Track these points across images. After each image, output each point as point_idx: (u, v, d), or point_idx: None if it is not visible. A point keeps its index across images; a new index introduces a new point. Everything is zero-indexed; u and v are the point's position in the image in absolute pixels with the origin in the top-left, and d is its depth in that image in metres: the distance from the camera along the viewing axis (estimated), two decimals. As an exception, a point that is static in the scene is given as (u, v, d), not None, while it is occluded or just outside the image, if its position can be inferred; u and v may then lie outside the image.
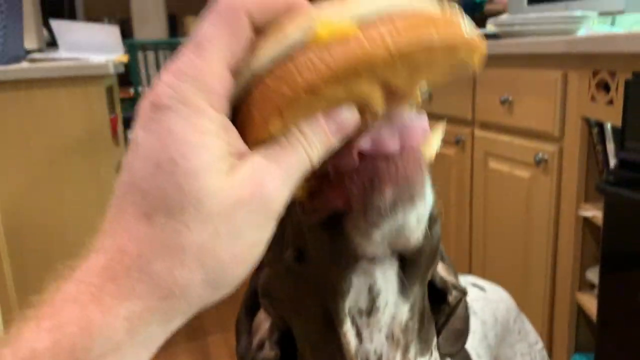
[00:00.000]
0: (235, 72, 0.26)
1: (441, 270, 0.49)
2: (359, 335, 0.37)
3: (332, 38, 0.24)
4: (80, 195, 1.83)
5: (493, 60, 1.72)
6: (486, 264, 1.86)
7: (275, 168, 0.26)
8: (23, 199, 1.76)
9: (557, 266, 1.54)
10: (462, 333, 0.50)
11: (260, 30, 0.26)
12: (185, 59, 0.25)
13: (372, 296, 0.37)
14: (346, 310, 0.36)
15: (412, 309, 0.39)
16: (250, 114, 0.26)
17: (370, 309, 0.37)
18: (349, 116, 0.27)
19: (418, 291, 0.40)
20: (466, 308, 0.51)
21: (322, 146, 0.27)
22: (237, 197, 0.25)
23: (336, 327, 0.37)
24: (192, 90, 0.24)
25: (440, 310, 0.47)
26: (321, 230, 0.34)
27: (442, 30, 0.25)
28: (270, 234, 0.27)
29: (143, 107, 0.26)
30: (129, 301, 0.24)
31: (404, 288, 0.38)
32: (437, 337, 0.46)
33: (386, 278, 0.36)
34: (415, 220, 0.32)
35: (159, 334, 0.25)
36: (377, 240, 0.32)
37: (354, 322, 0.37)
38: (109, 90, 2.24)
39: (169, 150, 0.24)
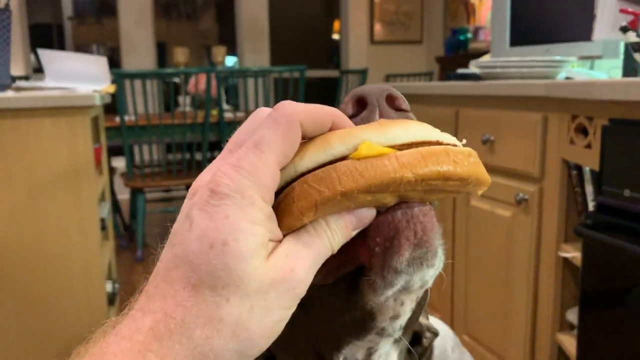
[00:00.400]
0: (282, 167, 0.31)
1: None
2: None
3: (370, 155, 0.29)
4: (62, 226, 1.81)
5: (475, 101, 1.76)
6: (467, 301, 1.86)
7: (304, 255, 0.30)
8: (3, 229, 1.73)
9: (538, 306, 1.55)
10: None
11: (306, 136, 0.31)
12: (245, 156, 0.29)
13: (370, 352, 0.40)
14: (341, 359, 0.39)
15: (399, 356, 0.42)
16: (289, 205, 0.30)
17: (368, 355, 0.40)
18: (368, 214, 0.32)
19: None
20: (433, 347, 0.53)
21: (343, 237, 0.31)
22: (272, 279, 0.29)
23: None
24: (248, 184, 0.29)
25: (414, 350, 0.49)
26: (332, 287, 0.36)
27: (460, 165, 0.31)
28: (292, 312, 0.30)
29: (201, 191, 0.30)
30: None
31: (399, 345, 0.41)
32: None
33: (389, 343, 0.40)
34: (428, 277, 0.36)
35: None
36: (389, 296, 0.35)
37: None
38: (95, 120, 2.24)
39: (223, 233, 0.28)
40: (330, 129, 0.32)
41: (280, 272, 0.29)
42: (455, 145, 0.33)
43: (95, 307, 1.90)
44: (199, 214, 0.29)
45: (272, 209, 0.30)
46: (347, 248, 0.33)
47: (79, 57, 2.26)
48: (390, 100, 0.36)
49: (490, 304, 1.74)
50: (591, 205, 1.36)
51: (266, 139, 0.29)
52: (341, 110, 0.35)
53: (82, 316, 1.88)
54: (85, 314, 1.88)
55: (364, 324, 0.37)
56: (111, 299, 2.27)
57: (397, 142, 0.30)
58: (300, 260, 0.30)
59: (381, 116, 0.35)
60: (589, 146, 1.27)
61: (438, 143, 0.32)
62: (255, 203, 0.29)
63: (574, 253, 1.38)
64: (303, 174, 0.30)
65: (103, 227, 2.07)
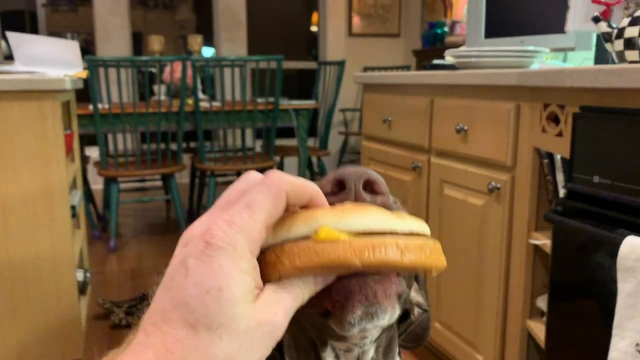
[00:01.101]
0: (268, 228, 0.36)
1: (413, 291, 0.61)
2: (337, 357, 0.47)
3: (326, 239, 0.35)
4: (30, 213, 1.78)
5: (449, 90, 1.77)
6: (440, 289, 1.87)
7: (283, 302, 0.35)
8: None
9: (509, 293, 1.57)
10: (421, 337, 0.63)
11: (288, 203, 0.37)
12: (238, 214, 0.34)
13: (350, 347, 0.47)
14: (328, 346, 0.46)
15: (384, 341, 0.50)
16: (266, 262, 0.36)
17: (349, 350, 0.47)
18: (330, 278, 0.38)
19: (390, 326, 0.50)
20: (428, 319, 0.63)
21: (310, 291, 0.37)
22: (258, 322, 0.33)
23: (319, 349, 0.47)
24: (240, 238, 0.33)
25: (404, 323, 0.58)
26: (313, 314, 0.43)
27: (407, 256, 0.35)
28: (269, 352, 0.35)
29: (195, 241, 0.34)
30: None
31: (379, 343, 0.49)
32: (399, 337, 0.57)
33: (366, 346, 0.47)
34: (383, 323, 0.41)
35: None
36: (353, 333, 0.42)
37: (334, 350, 0.46)
38: (66, 106, 2.20)
39: (218, 280, 0.32)
40: (308, 203, 0.38)
41: (265, 315, 0.34)
42: (416, 234, 0.38)
43: (65, 296, 1.87)
44: (195, 263, 0.33)
45: (256, 261, 0.35)
46: (317, 295, 0.38)
47: (50, 41, 2.21)
48: (368, 184, 0.42)
49: (462, 292, 1.75)
50: (562, 193, 1.38)
51: (257, 201, 0.35)
52: (321, 185, 0.41)
53: (51, 304, 1.85)
54: (54, 302, 1.85)
55: (338, 338, 0.45)
56: (82, 288, 2.24)
57: (352, 229, 0.35)
58: (280, 307, 0.35)
59: (356, 199, 0.41)
60: (560, 134, 1.29)
61: (394, 232, 0.36)
62: (244, 255, 0.34)
63: (544, 240, 1.40)
64: (276, 245, 0.36)
65: (74, 215, 2.03)
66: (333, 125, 5.05)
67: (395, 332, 0.55)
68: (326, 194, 0.41)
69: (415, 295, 0.62)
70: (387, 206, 0.42)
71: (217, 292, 0.32)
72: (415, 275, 0.64)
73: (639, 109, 1.02)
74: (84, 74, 2.15)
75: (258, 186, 0.35)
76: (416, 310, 0.61)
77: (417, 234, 0.38)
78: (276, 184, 0.36)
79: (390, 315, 0.41)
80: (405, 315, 0.59)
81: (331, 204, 0.40)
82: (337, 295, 0.39)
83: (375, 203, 0.42)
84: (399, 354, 0.57)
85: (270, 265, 0.36)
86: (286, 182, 0.36)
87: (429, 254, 0.37)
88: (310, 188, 0.38)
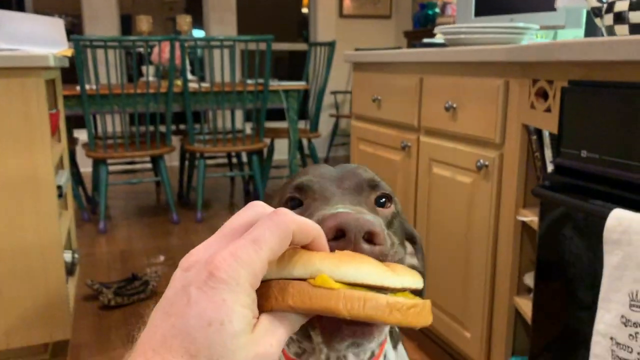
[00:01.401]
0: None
1: (408, 255, 0.66)
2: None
3: (321, 285, 0.37)
4: (15, 193, 1.75)
5: (439, 68, 1.76)
6: (428, 268, 1.87)
7: (278, 332, 0.37)
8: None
9: (496, 270, 1.57)
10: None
11: (292, 242, 0.39)
12: (244, 248, 0.35)
13: None
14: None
15: None
16: (262, 294, 0.38)
17: None
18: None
19: None
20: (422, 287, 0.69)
21: (301, 322, 0.39)
22: (255, 353, 0.35)
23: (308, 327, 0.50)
24: (244, 273, 0.35)
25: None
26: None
27: (394, 315, 0.37)
28: None
29: (199, 269, 0.35)
30: None
31: None
32: None
33: None
34: (370, 346, 0.48)
35: None
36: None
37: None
38: (51, 85, 2.17)
39: (221, 314, 0.33)
40: (310, 244, 0.40)
41: (262, 347, 0.35)
42: (408, 290, 0.41)
43: (52, 276, 1.86)
44: (197, 293, 0.34)
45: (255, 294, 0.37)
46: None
47: (34, 18, 2.17)
48: (368, 235, 0.44)
49: (449, 270, 1.75)
50: (550, 170, 1.38)
51: (265, 238, 0.36)
52: (325, 227, 0.43)
53: (38, 285, 1.83)
54: (42, 283, 1.84)
55: None
56: (70, 269, 2.22)
57: (346, 280, 0.37)
58: (275, 337, 0.37)
59: (354, 249, 0.43)
60: (548, 110, 1.28)
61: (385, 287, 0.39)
62: (246, 290, 0.35)
63: (532, 217, 1.39)
64: (275, 281, 0.38)
65: (60, 195, 2.01)
66: (324, 107, 5.02)
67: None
68: (327, 239, 0.42)
69: (410, 259, 0.67)
70: (384, 254, 0.45)
71: (220, 326, 0.33)
72: (412, 238, 0.69)
73: (627, 82, 1.01)
74: (69, 52, 2.12)
75: (267, 222, 0.36)
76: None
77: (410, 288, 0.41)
78: (285, 224, 0.37)
79: (376, 341, 0.46)
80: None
81: (331, 248, 0.42)
82: (327, 324, 0.44)
83: (373, 252, 0.44)
84: (400, 341, 0.65)
85: (265, 297, 0.37)
86: (294, 222, 0.37)
87: (417, 314, 0.39)
88: (315, 230, 0.39)
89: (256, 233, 0.36)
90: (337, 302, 0.36)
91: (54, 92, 2.23)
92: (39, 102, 1.72)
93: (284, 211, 0.37)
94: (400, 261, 0.56)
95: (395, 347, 0.71)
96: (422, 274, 0.67)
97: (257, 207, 0.40)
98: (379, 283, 0.38)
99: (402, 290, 0.41)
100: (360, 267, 0.38)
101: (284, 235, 0.36)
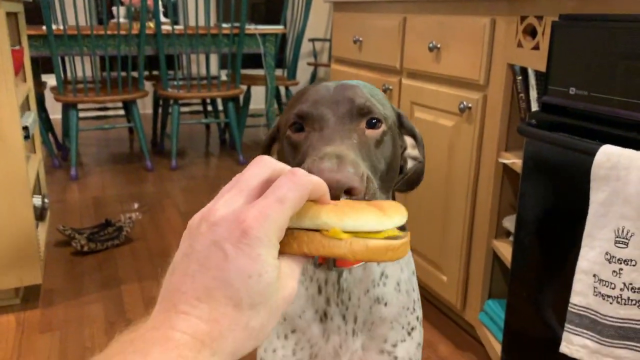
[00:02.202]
0: None
1: (409, 146, 0.79)
2: None
3: (333, 236, 0.43)
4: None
5: (423, 6, 1.69)
6: (408, 209, 1.86)
7: (295, 275, 0.43)
8: None
9: (475, 214, 1.56)
10: (415, 182, 0.83)
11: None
12: (271, 207, 0.39)
13: None
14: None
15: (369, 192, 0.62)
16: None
17: None
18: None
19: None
20: (422, 169, 0.82)
21: (307, 264, 0.47)
22: (283, 297, 0.41)
23: None
24: (274, 230, 0.39)
25: (399, 175, 0.75)
26: None
27: (389, 255, 0.45)
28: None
29: (229, 227, 0.39)
30: (208, 349, 0.38)
31: None
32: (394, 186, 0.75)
33: None
34: None
35: None
36: None
37: None
38: (13, 19, 2.05)
39: (258, 267, 0.38)
40: (318, 199, 0.44)
41: (288, 289, 0.41)
42: (394, 236, 0.46)
43: (21, 221, 1.80)
44: (234, 250, 0.38)
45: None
46: None
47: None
48: (347, 190, 0.53)
49: (429, 214, 1.74)
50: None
51: (289, 198, 0.40)
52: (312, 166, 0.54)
53: (6, 228, 1.77)
54: (9, 226, 1.78)
55: None
56: (40, 214, 2.16)
57: (349, 230, 0.43)
58: (294, 278, 0.43)
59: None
60: (536, 48, 1.24)
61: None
62: (275, 244, 0.40)
63: (514, 160, 1.37)
64: (292, 229, 0.43)
65: (27, 137, 1.93)
66: (302, 56, 4.91)
67: (377, 185, 0.67)
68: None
69: (412, 151, 0.79)
70: (369, 194, 0.56)
71: (258, 277, 0.38)
72: (413, 135, 0.80)
73: (622, 14, 0.97)
74: (32, -15, 1.99)
75: (289, 183, 0.40)
76: (410, 162, 0.79)
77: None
78: (304, 185, 0.41)
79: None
80: (399, 170, 0.74)
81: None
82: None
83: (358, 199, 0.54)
84: (393, 197, 0.77)
85: (281, 244, 0.42)
86: (311, 182, 0.42)
87: (404, 249, 0.46)
88: (323, 188, 0.44)
89: (280, 193, 0.40)
90: (346, 250, 0.43)
91: (17, 28, 2.11)
92: None
93: (302, 172, 0.42)
94: (395, 165, 0.71)
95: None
96: (423, 163, 0.81)
97: (270, 163, 0.43)
98: (377, 229, 0.44)
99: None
100: (359, 218, 0.44)
101: (304, 194, 0.41)
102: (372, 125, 0.67)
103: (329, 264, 0.70)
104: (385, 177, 0.67)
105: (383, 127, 0.68)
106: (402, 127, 0.79)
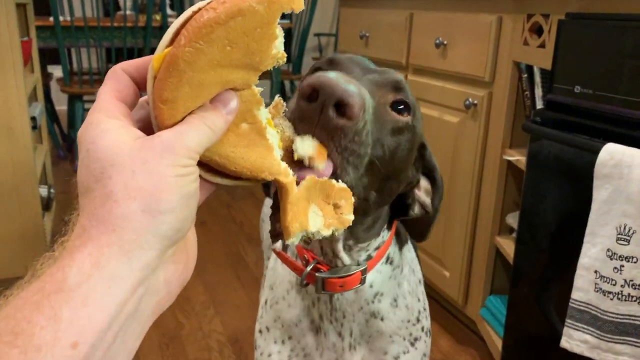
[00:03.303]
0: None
1: (422, 190, 0.68)
2: None
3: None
4: (-14, 121, 1.69)
5: (430, 3, 1.70)
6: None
7: (186, 130, 0.36)
8: None
9: (479, 211, 1.57)
10: (421, 234, 0.74)
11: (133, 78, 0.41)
12: (98, 102, 0.38)
13: None
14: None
15: (369, 220, 0.63)
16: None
17: None
18: (228, 96, 0.39)
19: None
20: (431, 221, 0.71)
21: (220, 120, 0.38)
22: (141, 146, 0.34)
23: None
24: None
25: (406, 214, 0.68)
26: None
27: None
28: (183, 171, 0.35)
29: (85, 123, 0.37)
30: (90, 242, 0.33)
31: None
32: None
33: None
34: None
35: (124, 270, 0.33)
36: None
37: None
38: (22, 11, 2.06)
39: (90, 137, 0.35)
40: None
41: (149, 141, 0.35)
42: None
43: (28, 211, 1.81)
44: (79, 133, 0.37)
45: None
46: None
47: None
48: (339, 104, 0.43)
49: (433, 210, 1.75)
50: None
51: (100, 92, 0.39)
52: (300, 86, 0.45)
53: (14, 217, 1.79)
54: (17, 215, 1.80)
55: None
56: (47, 204, 2.18)
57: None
58: (181, 134, 0.35)
59: (319, 117, 0.44)
60: (542, 46, 1.25)
61: None
62: (108, 121, 0.36)
63: (518, 157, 1.38)
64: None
65: (35, 127, 1.95)
66: (307, 50, 4.91)
67: (382, 215, 0.65)
68: (299, 97, 0.44)
69: (422, 195, 0.68)
70: (348, 137, 0.45)
71: (89, 148, 0.36)
72: (431, 172, 0.68)
73: (628, 13, 0.98)
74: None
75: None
76: (417, 208, 0.68)
77: None
78: (111, 71, 0.40)
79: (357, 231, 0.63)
80: (405, 209, 0.67)
81: (300, 109, 0.44)
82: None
83: (337, 125, 0.44)
84: (408, 242, 0.74)
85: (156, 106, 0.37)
86: (120, 66, 0.40)
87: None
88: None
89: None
90: (209, 15, 0.36)
91: (26, 19, 2.13)
92: (9, 27, 1.63)
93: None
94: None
95: (400, 249, 0.73)
96: (433, 215, 0.69)
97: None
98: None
99: None
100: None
101: (114, 77, 0.40)
102: (398, 110, 0.55)
103: (317, 287, 0.65)
104: (384, 181, 0.55)
105: (409, 120, 0.56)
106: (423, 159, 0.66)
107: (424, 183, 0.68)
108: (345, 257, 0.64)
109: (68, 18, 3.14)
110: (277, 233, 0.45)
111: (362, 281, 0.65)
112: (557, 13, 1.17)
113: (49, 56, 3.59)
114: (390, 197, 0.62)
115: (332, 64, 0.57)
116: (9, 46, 1.65)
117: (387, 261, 0.70)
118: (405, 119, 0.56)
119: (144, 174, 0.33)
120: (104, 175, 0.34)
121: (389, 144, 0.54)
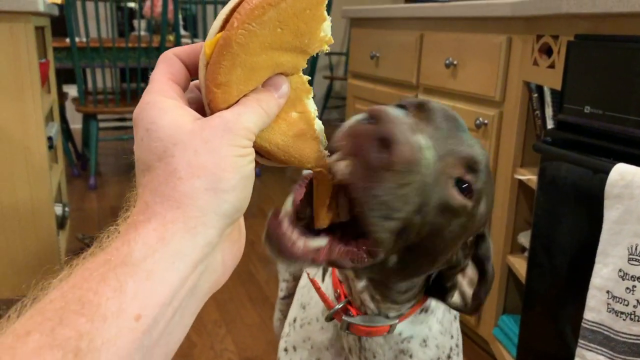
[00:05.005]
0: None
1: (466, 277, 0.63)
2: None
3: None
4: (6, 144, 1.72)
5: (440, 24, 1.72)
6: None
7: (242, 111, 0.37)
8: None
9: (491, 229, 1.57)
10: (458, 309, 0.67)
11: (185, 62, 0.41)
12: (153, 84, 0.39)
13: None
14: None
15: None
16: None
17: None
18: (279, 80, 0.40)
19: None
20: (462, 311, 0.66)
21: (273, 103, 0.39)
22: (202, 126, 0.36)
23: None
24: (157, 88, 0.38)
25: (444, 293, 0.63)
26: None
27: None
28: (242, 152, 0.36)
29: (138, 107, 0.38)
30: (154, 218, 0.34)
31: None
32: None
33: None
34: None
35: (188, 247, 0.34)
36: None
37: None
38: (40, 33, 2.11)
39: (150, 117, 0.36)
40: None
41: (209, 121, 0.36)
42: None
43: (43, 228, 1.84)
44: (135, 112, 0.38)
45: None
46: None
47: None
48: (382, 143, 0.42)
49: (445, 229, 1.75)
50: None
51: (154, 75, 0.39)
52: (337, 139, 0.46)
53: (29, 236, 1.82)
54: (33, 234, 1.82)
55: None
56: (61, 222, 2.21)
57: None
58: (239, 115, 0.37)
59: (362, 157, 0.43)
60: (552, 66, 1.26)
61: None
62: (166, 100, 0.37)
63: (529, 176, 1.39)
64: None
65: (51, 147, 1.98)
66: (318, 69, 4.95)
67: (418, 285, 0.62)
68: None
69: (465, 284, 0.64)
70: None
71: (149, 129, 0.38)
72: (481, 263, 0.63)
73: (636, 35, 0.99)
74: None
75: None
76: (456, 296, 0.63)
77: None
78: (162, 55, 0.41)
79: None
80: (442, 290, 0.63)
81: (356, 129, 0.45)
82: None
83: (377, 156, 0.42)
84: (430, 312, 0.68)
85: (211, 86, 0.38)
86: (172, 51, 0.41)
87: None
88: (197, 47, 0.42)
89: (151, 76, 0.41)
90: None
91: (44, 41, 2.17)
92: (28, 49, 1.67)
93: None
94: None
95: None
96: (471, 310, 0.65)
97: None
98: None
99: None
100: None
101: (167, 61, 0.41)
102: (462, 187, 0.50)
103: (342, 326, 0.64)
104: (413, 253, 0.51)
105: (467, 204, 0.51)
106: (477, 248, 0.61)
107: (470, 271, 0.63)
108: (373, 308, 0.64)
109: (84, 39, 3.20)
110: (301, 217, 0.46)
111: (391, 331, 0.65)
112: (566, 34, 1.18)
113: (64, 76, 3.66)
114: (417, 273, 0.59)
115: (421, 110, 0.54)
116: (28, 69, 1.69)
117: (421, 311, 0.68)
118: (464, 201, 0.51)
119: (206, 153, 0.34)
120: (167, 153, 0.35)
121: (434, 219, 0.49)
